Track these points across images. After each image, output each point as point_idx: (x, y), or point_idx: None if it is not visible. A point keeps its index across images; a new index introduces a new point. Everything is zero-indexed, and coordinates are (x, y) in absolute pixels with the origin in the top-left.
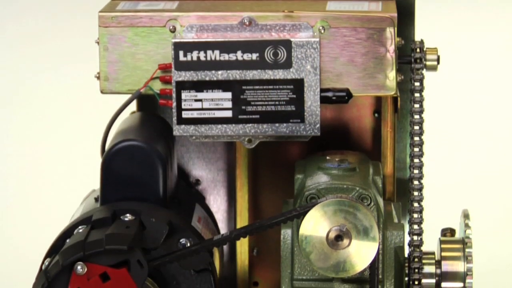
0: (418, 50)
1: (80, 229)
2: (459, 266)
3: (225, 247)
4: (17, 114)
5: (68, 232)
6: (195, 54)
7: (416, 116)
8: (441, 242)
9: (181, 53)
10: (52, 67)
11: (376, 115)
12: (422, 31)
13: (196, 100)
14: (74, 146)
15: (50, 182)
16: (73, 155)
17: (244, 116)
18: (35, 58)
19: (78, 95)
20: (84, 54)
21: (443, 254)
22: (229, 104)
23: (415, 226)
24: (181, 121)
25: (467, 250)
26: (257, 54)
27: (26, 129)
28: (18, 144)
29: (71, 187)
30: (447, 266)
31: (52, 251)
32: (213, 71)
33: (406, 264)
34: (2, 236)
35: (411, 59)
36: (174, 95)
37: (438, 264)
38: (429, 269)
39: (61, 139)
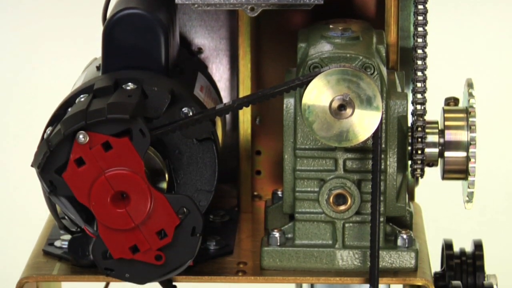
0: None
1: (82, 98)
2: (462, 135)
3: (227, 116)
4: None
5: (69, 101)
6: None
7: None
8: (445, 111)
9: None
10: None
11: None
12: None
13: None
14: (75, 15)
15: (51, 51)
16: (74, 23)
17: None
18: None
19: None
20: None
21: (447, 123)
22: None
23: (419, 95)
24: None
25: (470, 119)
26: None
27: None
28: (19, 14)
29: (72, 56)
30: (450, 135)
31: (54, 120)
32: None
33: (409, 134)
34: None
35: None
36: None
37: (441, 133)
38: (432, 138)
39: (62, 9)
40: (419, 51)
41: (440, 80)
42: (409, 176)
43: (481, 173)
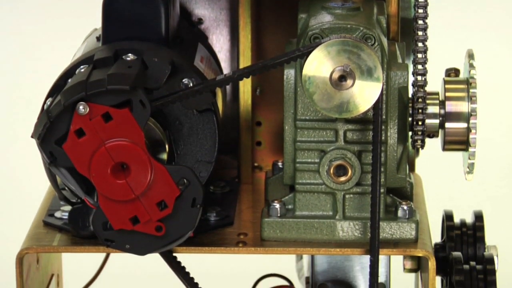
0: None
1: (82, 68)
2: (463, 106)
3: (228, 87)
4: None
5: (69, 72)
6: None
7: None
8: (445, 82)
9: None
10: None
11: None
12: None
13: None
14: None
15: (51, 21)
16: None
17: None
18: None
19: None
20: None
21: (447, 94)
22: None
23: (419, 66)
24: None
25: (471, 90)
26: None
27: None
28: None
29: (72, 26)
30: (451, 106)
31: (54, 91)
32: None
33: (410, 105)
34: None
35: None
36: None
37: (442, 104)
38: (433, 109)
39: None
40: (420, 21)
41: (441, 51)
42: (410, 147)
43: (482, 144)
